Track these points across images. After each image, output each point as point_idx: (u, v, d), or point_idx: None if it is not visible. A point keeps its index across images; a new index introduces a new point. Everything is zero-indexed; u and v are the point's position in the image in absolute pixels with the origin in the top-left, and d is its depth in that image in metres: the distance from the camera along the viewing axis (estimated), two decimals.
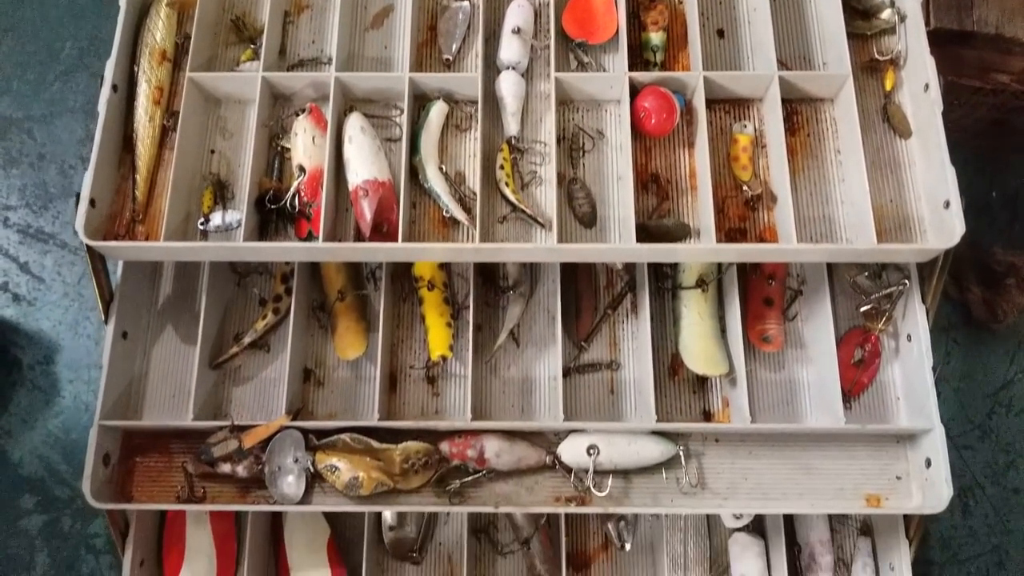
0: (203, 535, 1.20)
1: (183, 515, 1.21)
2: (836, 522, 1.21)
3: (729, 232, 1.10)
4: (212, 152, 1.15)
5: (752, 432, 1.10)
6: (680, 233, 1.08)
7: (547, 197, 1.11)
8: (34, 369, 1.55)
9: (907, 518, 1.15)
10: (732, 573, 1.18)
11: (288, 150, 1.12)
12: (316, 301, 1.18)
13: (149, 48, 1.14)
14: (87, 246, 1.06)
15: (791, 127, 1.13)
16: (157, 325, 1.18)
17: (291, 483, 1.06)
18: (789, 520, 1.19)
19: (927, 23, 1.25)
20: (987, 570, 1.44)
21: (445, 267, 1.17)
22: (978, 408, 1.51)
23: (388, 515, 1.21)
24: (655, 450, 1.08)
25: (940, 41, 1.33)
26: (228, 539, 1.21)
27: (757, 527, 1.20)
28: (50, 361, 1.55)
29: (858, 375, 1.11)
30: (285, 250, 1.04)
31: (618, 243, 1.09)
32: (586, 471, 1.08)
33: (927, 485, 1.06)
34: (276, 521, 1.21)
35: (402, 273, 1.17)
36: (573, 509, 1.08)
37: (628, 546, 1.21)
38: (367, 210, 1.05)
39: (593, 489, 1.07)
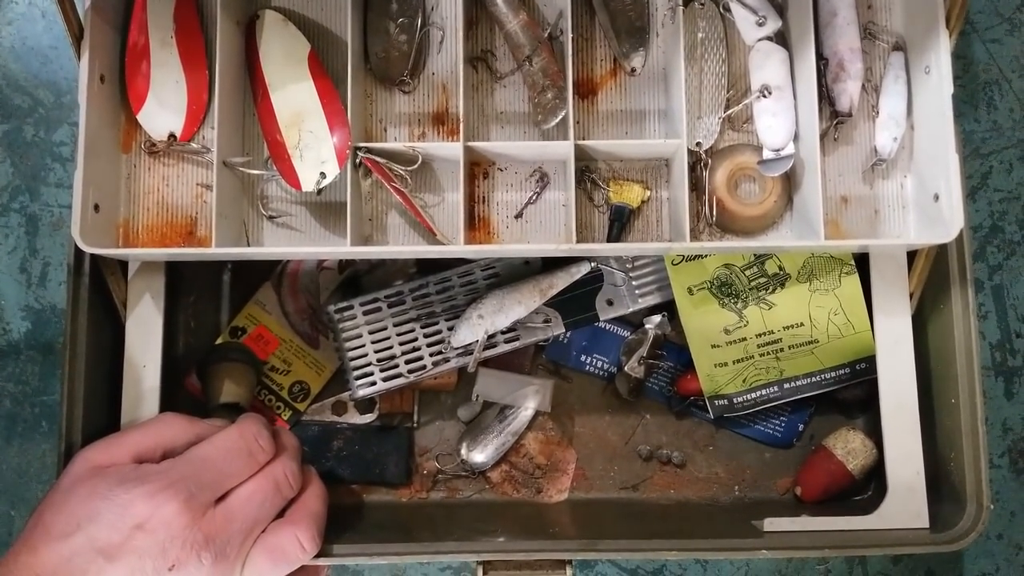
0: (170, 56, 1.09)
1: (147, 38, 1.09)
2: (865, 42, 1.11)
3: None
4: None
5: None
6: None
7: None
8: None
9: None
10: (753, 86, 1.08)
11: None
12: None
13: None
14: None
15: None
16: None
17: None
18: (815, 34, 1.08)
19: None
20: (1010, 164, 1.36)
21: None
22: (1008, 1, 1.39)
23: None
24: None
25: None
26: (198, 61, 1.09)
27: (780, 42, 1.09)
28: None
29: None
30: None
31: None
32: None
33: None
34: (250, 38, 1.09)
35: None
36: None
37: (639, 71, 1.11)
38: None
39: None
